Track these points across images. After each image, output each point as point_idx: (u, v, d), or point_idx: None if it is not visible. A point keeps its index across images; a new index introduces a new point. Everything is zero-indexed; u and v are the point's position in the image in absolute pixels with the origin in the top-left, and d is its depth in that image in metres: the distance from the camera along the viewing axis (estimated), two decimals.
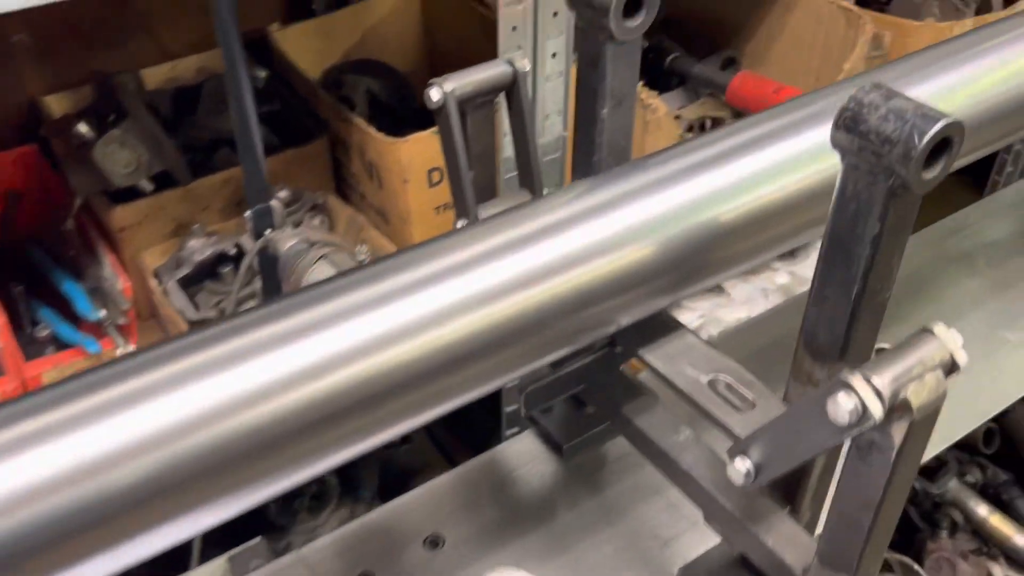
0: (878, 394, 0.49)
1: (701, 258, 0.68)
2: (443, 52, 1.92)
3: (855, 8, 1.68)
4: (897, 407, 0.50)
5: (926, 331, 0.53)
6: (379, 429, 0.57)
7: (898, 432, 0.51)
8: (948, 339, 0.53)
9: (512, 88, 0.75)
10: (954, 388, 0.61)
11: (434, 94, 0.72)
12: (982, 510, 1.59)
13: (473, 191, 0.77)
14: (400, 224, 1.57)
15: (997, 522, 1.57)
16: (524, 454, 0.91)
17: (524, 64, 0.75)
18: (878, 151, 0.51)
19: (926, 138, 0.49)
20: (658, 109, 1.53)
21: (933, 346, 0.52)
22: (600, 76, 0.68)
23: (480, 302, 0.59)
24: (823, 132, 0.55)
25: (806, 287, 0.61)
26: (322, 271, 1.03)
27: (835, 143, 0.54)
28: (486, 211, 0.78)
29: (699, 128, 1.75)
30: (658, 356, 0.72)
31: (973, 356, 0.67)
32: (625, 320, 0.68)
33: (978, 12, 1.83)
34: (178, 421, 0.49)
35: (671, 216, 0.67)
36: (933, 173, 0.52)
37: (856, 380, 0.50)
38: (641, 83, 1.52)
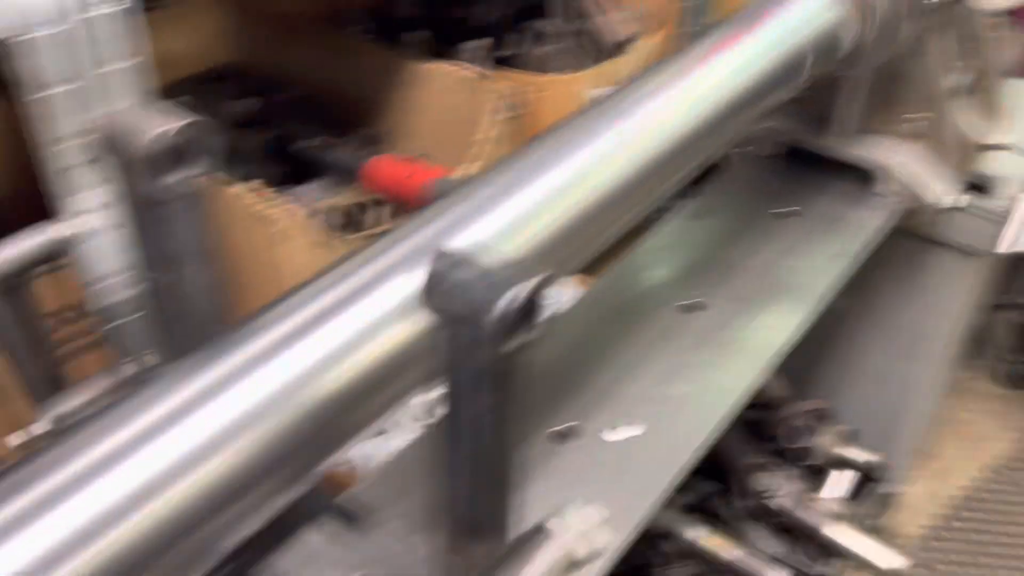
0: None
1: (314, 445, 0.54)
2: None
3: (480, 73, 1.61)
4: None
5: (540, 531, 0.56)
6: None
7: None
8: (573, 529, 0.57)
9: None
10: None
11: None
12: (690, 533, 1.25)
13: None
14: None
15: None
16: None
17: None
18: (459, 330, 0.46)
19: (495, 318, 0.44)
20: (279, 220, 1.29)
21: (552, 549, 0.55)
22: (153, 238, 0.55)
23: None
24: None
25: None
26: None
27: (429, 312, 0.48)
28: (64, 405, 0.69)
29: (349, 217, 1.55)
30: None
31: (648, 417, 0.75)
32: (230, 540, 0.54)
33: (597, 59, 1.78)
34: None
35: (273, 402, 0.51)
36: (525, 335, 0.45)
37: None
38: (258, 189, 1.33)
